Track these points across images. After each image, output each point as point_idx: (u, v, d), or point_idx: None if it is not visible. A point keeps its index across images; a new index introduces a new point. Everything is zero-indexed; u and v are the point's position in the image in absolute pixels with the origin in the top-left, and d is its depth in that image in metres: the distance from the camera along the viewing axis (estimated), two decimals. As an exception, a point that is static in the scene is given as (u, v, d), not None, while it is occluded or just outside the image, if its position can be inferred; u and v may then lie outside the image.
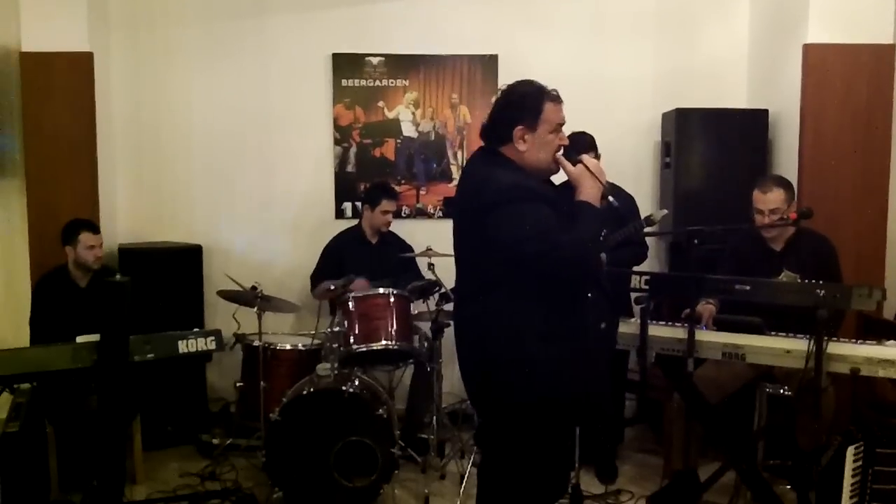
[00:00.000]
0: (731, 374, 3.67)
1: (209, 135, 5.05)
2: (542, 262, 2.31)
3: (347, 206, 5.11)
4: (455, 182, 5.10)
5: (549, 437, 2.47)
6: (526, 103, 2.43)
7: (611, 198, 2.45)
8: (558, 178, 2.57)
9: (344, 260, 4.58)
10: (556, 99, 2.45)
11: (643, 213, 4.16)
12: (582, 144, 4.10)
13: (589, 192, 2.42)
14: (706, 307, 3.60)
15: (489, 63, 5.09)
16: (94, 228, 4.06)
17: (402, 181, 5.15)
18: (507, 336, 2.39)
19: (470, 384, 2.58)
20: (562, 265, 2.31)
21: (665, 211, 4.02)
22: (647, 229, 4.06)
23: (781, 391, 3.64)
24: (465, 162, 5.11)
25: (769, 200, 3.65)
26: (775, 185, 3.70)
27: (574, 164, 2.47)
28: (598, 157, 4.08)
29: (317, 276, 4.68)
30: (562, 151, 2.49)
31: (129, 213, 5.02)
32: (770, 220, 3.63)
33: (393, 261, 4.58)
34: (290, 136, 5.10)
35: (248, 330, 4.29)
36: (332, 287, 4.08)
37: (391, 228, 4.76)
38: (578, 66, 5.02)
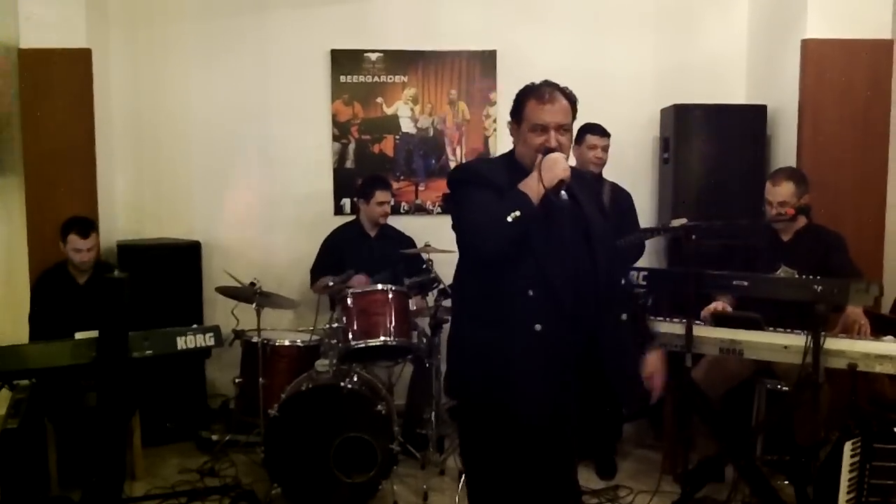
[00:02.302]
0: (731, 371, 3.67)
1: (208, 131, 5.05)
2: (462, 245, 2.38)
3: (346, 202, 5.11)
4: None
5: (484, 436, 2.39)
6: (517, 98, 2.44)
7: (563, 193, 2.28)
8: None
9: (343, 254, 4.58)
10: (542, 99, 2.35)
11: (638, 207, 4.18)
12: (589, 132, 4.22)
13: (526, 183, 2.28)
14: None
15: (488, 59, 5.08)
16: (84, 231, 3.96)
17: (401, 177, 5.15)
18: (455, 317, 2.51)
19: None
20: (469, 248, 2.37)
21: (684, 220, 4.00)
22: (645, 226, 4.08)
23: (779, 386, 3.65)
24: (463, 158, 5.12)
25: (777, 193, 3.66)
26: (786, 178, 3.69)
27: None
28: (605, 147, 4.31)
29: (316, 271, 4.68)
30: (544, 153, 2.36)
31: (127, 210, 5.02)
32: (778, 212, 3.64)
33: (393, 255, 4.58)
34: (289, 132, 5.09)
35: (247, 326, 4.29)
36: (331, 283, 4.09)
37: (390, 222, 4.76)
38: (577, 62, 5.00)
